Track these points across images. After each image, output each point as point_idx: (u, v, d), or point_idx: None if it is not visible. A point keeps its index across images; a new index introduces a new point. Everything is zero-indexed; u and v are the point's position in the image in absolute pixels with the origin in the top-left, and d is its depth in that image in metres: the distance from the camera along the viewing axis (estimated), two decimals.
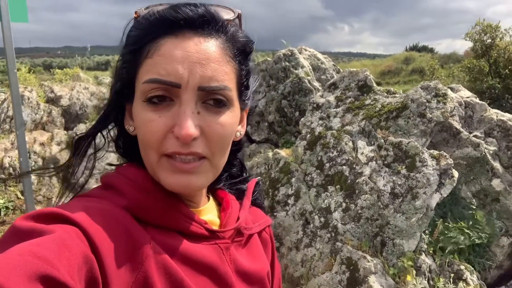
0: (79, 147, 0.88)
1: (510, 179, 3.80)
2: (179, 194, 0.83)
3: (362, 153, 3.92)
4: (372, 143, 3.96)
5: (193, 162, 0.76)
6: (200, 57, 0.74)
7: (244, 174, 1.05)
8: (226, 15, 0.81)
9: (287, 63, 6.09)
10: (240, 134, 0.89)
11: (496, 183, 3.78)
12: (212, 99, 0.76)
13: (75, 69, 12.53)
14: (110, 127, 0.90)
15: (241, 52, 0.82)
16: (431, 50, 45.42)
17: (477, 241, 3.55)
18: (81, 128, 8.45)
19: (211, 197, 0.96)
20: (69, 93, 9.73)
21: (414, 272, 3.50)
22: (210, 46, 0.76)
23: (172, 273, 0.73)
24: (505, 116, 4.11)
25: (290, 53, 6.16)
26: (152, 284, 0.70)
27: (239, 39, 0.81)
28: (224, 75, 0.77)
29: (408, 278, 3.45)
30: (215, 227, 0.87)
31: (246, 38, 0.83)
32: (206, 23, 0.77)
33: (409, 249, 3.52)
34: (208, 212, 0.90)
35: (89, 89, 10.07)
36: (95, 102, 9.71)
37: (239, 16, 0.84)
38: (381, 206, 3.54)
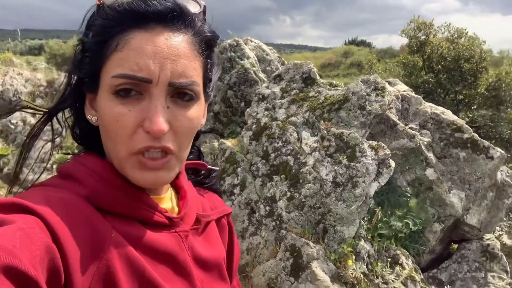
0: (34, 128, 0.86)
1: (442, 168, 4.07)
2: None
3: (306, 144, 4.04)
4: (316, 134, 4.08)
5: (160, 158, 0.77)
6: (171, 52, 0.75)
7: (202, 162, 1.07)
8: (193, 8, 0.82)
9: (233, 54, 6.11)
10: (202, 124, 0.90)
11: (429, 172, 4.03)
12: (181, 94, 0.77)
13: (7, 53, 11.79)
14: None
15: (207, 46, 0.83)
16: (368, 45, 47.11)
17: (412, 227, 3.78)
18: (16, 116, 8.01)
19: (169, 185, 0.97)
20: (2, 79, 9.18)
21: (354, 257, 3.67)
22: (180, 42, 0.77)
23: (134, 262, 0.74)
24: (438, 109, 4.38)
25: (235, 44, 6.17)
26: (114, 273, 0.71)
27: (205, 33, 0.82)
28: (193, 70, 0.78)
29: (349, 263, 3.62)
30: (175, 215, 0.88)
31: (212, 32, 0.84)
32: (176, 18, 0.77)
33: (349, 235, 3.69)
34: (168, 201, 0.91)
35: (23, 75, 9.53)
36: (30, 89, 9.21)
37: (204, 9, 0.85)
38: (324, 194, 3.67)
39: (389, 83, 4.70)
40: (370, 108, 3.99)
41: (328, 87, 4.52)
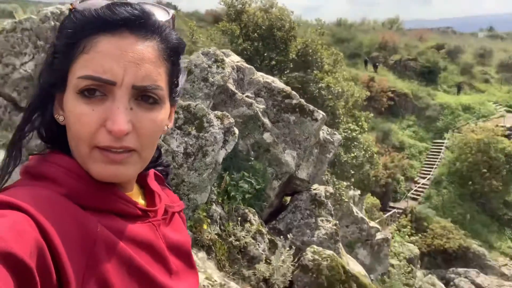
0: (15, 142, 0.86)
1: (277, 132, 4.56)
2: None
3: None
4: None
5: (122, 153, 0.80)
6: (136, 57, 0.78)
7: (160, 159, 1.10)
8: (161, 16, 0.85)
9: (58, 23, 5.59)
10: (168, 127, 0.94)
11: (266, 136, 4.47)
12: (145, 96, 0.80)
13: None
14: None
15: (174, 53, 0.86)
16: (175, 7, 47.08)
17: (256, 187, 4.20)
18: None
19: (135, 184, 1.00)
20: None
21: (209, 221, 3.93)
22: (146, 47, 0.80)
23: (122, 252, 0.78)
24: (269, 78, 4.83)
25: (59, 12, 5.65)
26: (105, 265, 0.75)
27: (172, 41, 0.85)
28: (158, 75, 0.81)
29: (204, 227, 3.86)
30: (146, 208, 0.93)
31: (179, 40, 0.87)
32: (143, 25, 0.80)
33: (202, 201, 3.91)
34: (136, 196, 0.95)
35: None
36: None
37: (173, 17, 0.88)
38: (176, 166, 3.80)
39: (224, 54, 4.96)
40: (213, 80, 4.20)
41: None
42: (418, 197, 24.87)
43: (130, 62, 0.77)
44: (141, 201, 0.96)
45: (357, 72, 32.51)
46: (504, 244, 22.00)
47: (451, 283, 20.36)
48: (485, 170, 23.39)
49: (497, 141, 24.20)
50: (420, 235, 21.41)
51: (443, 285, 18.97)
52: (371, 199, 17.47)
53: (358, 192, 10.14)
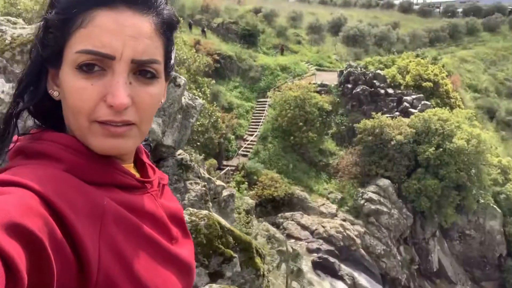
0: (9, 118, 0.82)
1: None
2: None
3: (2, 92, 3.64)
4: (11, 79, 3.72)
5: (122, 126, 0.82)
6: (134, 31, 0.79)
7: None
8: None
9: None
10: (162, 102, 0.96)
11: None
12: (143, 71, 0.82)
13: None
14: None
15: (168, 27, 0.88)
16: None
17: None
18: None
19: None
20: None
21: None
22: (143, 22, 0.81)
23: (129, 222, 0.82)
24: None
25: None
26: (116, 234, 0.78)
27: (167, 15, 0.88)
28: (155, 49, 0.84)
29: None
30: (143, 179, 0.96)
31: (173, 15, 0.90)
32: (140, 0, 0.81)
33: None
34: (132, 169, 0.97)
35: None
36: None
37: None
38: None
39: None
40: None
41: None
42: (247, 153, 26.62)
43: (128, 36, 0.78)
44: (134, 173, 0.97)
45: (183, 35, 32.53)
46: (321, 187, 25.32)
47: (281, 227, 22.80)
48: (302, 124, 26.18)
49: (310, 97, 27.18)
50: (252, 187, 23.20)
51: (275, 229, 21.16)
52: (208, 160, 18.21)
53: (202, 156, 10.52)
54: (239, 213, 15.44)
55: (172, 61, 0.95)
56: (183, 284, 0.99)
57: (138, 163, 1.03)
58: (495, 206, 26.44)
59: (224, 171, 22.65)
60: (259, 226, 18.92)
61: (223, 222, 4.36)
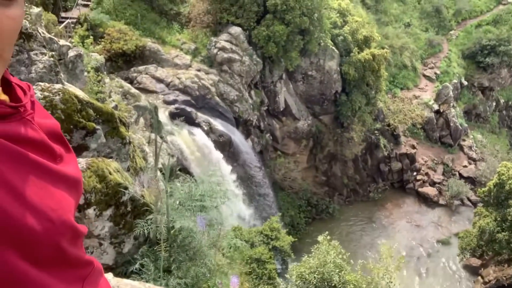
0: None
1: None
2: None
3: None
4: None
5: None
6: None
7: None
8: None
9: None
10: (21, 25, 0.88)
11: None
12: None
13: None
14: None
15: None
16: None
17: None
18: None
19: None
20: None
21: None
22: None
23: (13, 152, 0.82)
24: None
25: None
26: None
27: None
28: None
29: None
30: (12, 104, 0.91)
31: None
32: None
33: None
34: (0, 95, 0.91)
35: None
36: None
37: None
38: None
39: None
40: None
41: None
42: (89, 3, 24.18)
43: None
44: (3, 98, 0.93)
45: None
46: (173, 38, 24.70)
47: (135, 82, 22.33)
48: None
49: None
50: (98, 42, 21.66)
51: (129, 85, 20.67)
52: (46, 15, 16.09)
53: (40, 9, 9.17)
54: (88, 72, 14.54)
55: None
56: (74, 198, 1.04)
57: (3, 84, 0.95)
58: (333, 48, 29.07)
59: (64, 24, 20.41)
60: (112, 83, 18.24)
61: (81, 95, 4.15)
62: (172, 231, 4.67)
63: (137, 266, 4.75)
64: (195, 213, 5.09)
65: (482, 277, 26.07)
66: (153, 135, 18.40)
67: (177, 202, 5.07)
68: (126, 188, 4.38)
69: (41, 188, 0.86)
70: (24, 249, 0.83)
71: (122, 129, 4.40)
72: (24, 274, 0.83)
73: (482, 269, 26.95)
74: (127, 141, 4.43)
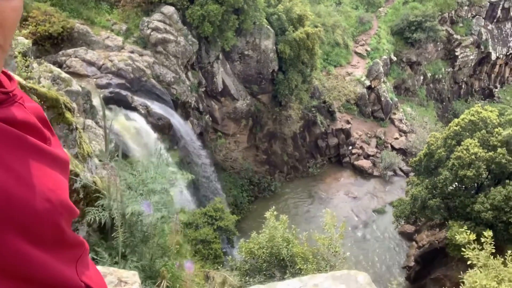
0: None
1: None
2: None
3: None
4: None
5: None
6: None
7: None
8: None
9: None
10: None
11: None
12: None
13: None
14: None
15: None
16: None
17: None
18: None
19: None
20: None
21: None
22: None
23: (12, 135, 0.84)
24: None
25: None
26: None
27: None
28: None
29: None
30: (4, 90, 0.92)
31: None
32: None
33: None
34: None
35: None
36: None
37: None
38: None
39: None
40: None
41: None
42: None
43: None
44: None
45: None
46: (103, 19, 23.63)
47: (64, 66, 21.23)
48: None
49: None
50: (23, 25, 20.32)
51: (59, 69, 19.62)
52: None
53: None
54: (15, 57, 13.67)
55: None
56: (66, 179, 1.07)
57: None
58: (268, 27, 29.20)
59: None
60: (41, 68, 17.25)
61: (22, 81, 3.93)
62: (126, 216, 4.61)
63: (91, 255, 4.64)
64: (147, 197, 5.05)
65: (417, 242, 27.98)
66: (87, 121, 17.72)
67: (129, 188, 5.00)
68: (77, 175, 4.24)
69: (39, 170, 0.88)
70: (27, 230, 0.83)
71: (68, 114, 4.23)
72: (28, 256, 0.84)
73: (416, 234, 28.91)
74: (74, 127, 4.27)
